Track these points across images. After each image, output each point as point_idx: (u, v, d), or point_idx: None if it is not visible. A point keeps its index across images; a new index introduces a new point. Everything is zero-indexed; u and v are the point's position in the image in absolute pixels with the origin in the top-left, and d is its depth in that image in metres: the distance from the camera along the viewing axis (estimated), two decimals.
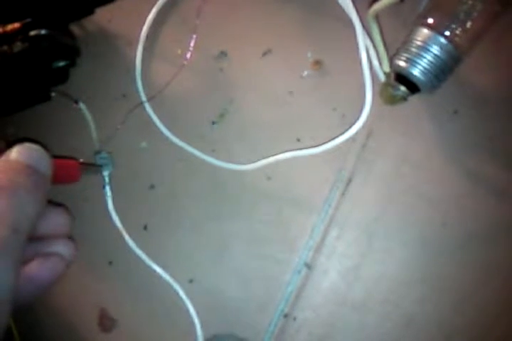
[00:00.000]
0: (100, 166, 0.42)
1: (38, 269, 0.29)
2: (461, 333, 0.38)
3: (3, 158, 0.28)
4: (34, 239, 0.27)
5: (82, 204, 0.43)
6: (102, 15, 0.45)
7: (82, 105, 0.44)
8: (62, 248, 0.31)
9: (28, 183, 0.27)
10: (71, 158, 0.40)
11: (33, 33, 0.38)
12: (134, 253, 0.42)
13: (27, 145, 0.29)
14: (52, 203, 0.29)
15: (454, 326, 0.38)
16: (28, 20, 0.39)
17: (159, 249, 0.43)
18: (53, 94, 0.43)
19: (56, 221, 0.31)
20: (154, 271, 0.42)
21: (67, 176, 0.35)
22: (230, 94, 0.43)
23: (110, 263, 0.43)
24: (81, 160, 0.41)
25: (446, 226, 0.38)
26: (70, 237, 0.32)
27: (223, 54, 0.43)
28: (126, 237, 0.43)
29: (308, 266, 0.40)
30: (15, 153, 0.28)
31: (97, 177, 0.43)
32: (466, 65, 0.37)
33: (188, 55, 0.43)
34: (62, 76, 0.43)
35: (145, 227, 0.43)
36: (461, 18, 0.35)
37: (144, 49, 0.44)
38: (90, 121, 0.44)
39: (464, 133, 0.39)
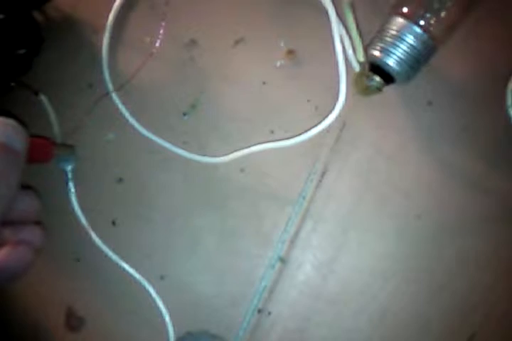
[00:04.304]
0: (72, 146, 0.39)
1: (5, 259, 0.27)
2: (437, 324, 0.38)
3: None
4: (2, 224, 0.25)
5: (46, 200, 0.41)
6: (66, 1, 0.43)
7: (42, 97, 0.42)
8: (31, 235, 0.29)
9: (2, 163, 0.25)
10: (41, 136, 0.38)
11: None
12: (102, 250, 0.41)
13: (0, 119, 0.26)
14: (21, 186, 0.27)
15: (430, 317, 0.38)
16: None
17: (129, 245, 0.42)
18: (13, 84, 0.41)
19: (25, 205, 0.30)
20: (123, 268, 0.41)
21: (40, 155, 0.33)
22: (201, 84, 0.42)
23: (78, 260, 0.42)
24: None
25: (420, 218, 0.38)
26: (39, 223, 0.30)
27: (194, 42, 0.42)
28: (93, 234, 0.41)
29: (283, 260, 0.40)
30: None
31: (60, 171, 0.42)
32: (440, 56, 0.37)
33: (157, 44, 0.42)
34: (25, 65, 0.41)
35: (113, 223, 0.42)
36: (435, 7, 0.35)
37: (111, 37, 0.43)
38: (51, 113, 0.42)
39: (439, 124, 0.39)
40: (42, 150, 0.33)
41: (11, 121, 0.27)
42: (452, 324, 0.38)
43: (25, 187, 0.29)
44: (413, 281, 0.38)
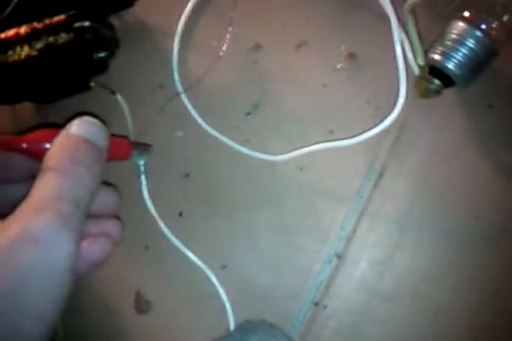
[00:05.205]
0: (149, 145, 0.41)
1: (89, 248, 0.29)
2: (491, 325, 0.38)
3: (64, 132, 0.28)
4: (86, 217, 0.27)
5: (119, 191, 0.44)
6: (140, 7, 0.46)
7: (119, 96, 0.45)
8: (111, 228, 0.31)
9: (87, 158, 0.27)
10: (120, 135, 0.41)
11: (77, 24, 0.40)
12: (169, 239, 0.43)
13: (86, 118, 0.29)
14: (102, 182, 0.29)
15: (483, 318, 0.38)
16: (73, 12, 0.40)
17: (193, 235, 0.43)
18: (92, 84, 0.45)
19: (106, 200, 0.32)
20: (188, 257, 0.43)
21: (119, 154, 0.35)
22: (264, 86, 0.44)
23: (146, 248, 0.44)
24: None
25: (478, 219, 0.38)
26: (117, 216, 0.32)
27: (258, 46, 0.44)
28: (161, 224, 0.44)
29: (339, 256, 0.41)
30: (75, 127, 0.28)
31: (133, 165, 0.44)
32: (502, 58, 0.37)
33: (224, 47, 0.44)
34: (102, 66, 0.44)
35: (180, 214, 0.44)
36: (497, 11, 0.35)
37: (181, 41, 0.45)
38: (127, 112, 0.45)
39: (498, 127, 0.39)
40: (121, 149, 0.35)
41: (95, 120, 0.29)
42: (503, 327, 0.38)
43: (106, 183, 0.31)
44: (467, 282, 0.38)
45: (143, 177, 0.44)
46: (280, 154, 0.42)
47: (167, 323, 0.43)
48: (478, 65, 0.36)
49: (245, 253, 0.42)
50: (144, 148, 0.41)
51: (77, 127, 0.28)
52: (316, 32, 0.43)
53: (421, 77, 0.39)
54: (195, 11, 0.46)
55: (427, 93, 0.39)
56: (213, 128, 0.44)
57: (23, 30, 0.40)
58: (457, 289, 0.39)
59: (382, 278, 0.40)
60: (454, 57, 0.36)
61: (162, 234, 0.43)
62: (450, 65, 0.36)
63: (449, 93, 0.39)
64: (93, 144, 0.28)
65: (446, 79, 0.37)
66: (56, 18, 0.40)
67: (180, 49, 0.45)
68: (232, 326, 0.41)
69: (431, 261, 0.39)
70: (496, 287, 0.38)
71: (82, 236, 0.26)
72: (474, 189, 0.39)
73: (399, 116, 0.40)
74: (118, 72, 0.46)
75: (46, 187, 0.26)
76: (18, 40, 0.39)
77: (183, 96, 0.45)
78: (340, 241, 0.41)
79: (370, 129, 0.40)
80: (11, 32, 0.40)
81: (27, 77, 0.41)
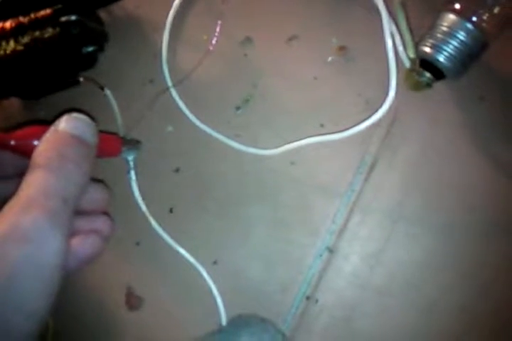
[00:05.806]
0: (139, 142, 0.41)
1: (80, 245, 0.30)
2: (484, 319, 0.38)
3: (52, 128, 0.28)
4: (75, 213, 0.27)
5: (109, 187, 0.44)
6: (129, 1, 0.45)
7: (107, 92, 0.45)
8: (101, 224, 0.32)
9: (76, 155, 0.27)
10: (111, 132, 0.41)
11: (63, 18, 0.39)
12: (160, 235, 0.43)
13: (74, 115, 0.29)
14: (92, 179, 0.29)
15: (477, 312, 0.38)
16: (59, 6, 0.39)
17: (184, 231, 0.43)
18: (81, 79, 0.44)
19: (96, 196, 0.32)
20: (179, 252, 0.43)
21: (109, 150, 0.35)
22: (254, 80, 0.43)
23: (137, 243, 0.44)
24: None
25: (473, 212, 0.38)
26: (107, 213, 0.33)
27: (248, 40, 0.44)
28: (152, 220, 0.43)
29: (330, 250, 0.41)
30: (63, 123, 0.29)
31: (122, 161, 0.43)
32: (492, 51, 0.37)
33: (214, 41, 0.44)
34: (91, 61, 0.44)
35: (171, 210, 0.44)
36: (488, 3, 0.35)
37: (171, 34, 0.45)
38: (116, 107, 0.45)
39: (490, 119, 0.39)
40: (110, 145, 0.35)
41: (83, 117, 0.30)
42: (499, 319, 0.38)
43: (96, 180, 0.32)
44: (461, 275, 0.38)
45: (132, 172, 0.44)
46: (271, 148, 0.42)
47: (158, 319, 0.43)
48: (469, 57, 0.36)
49: (236, 249, 0.42)
50: (133, 143, 0.41)
51: (66, 124, 0.28)
52: (306, 25, 0.43)
53: (412, 70, 0.39)
54: (185, 4, 0.45)
55: (417, 86, 0.39)
56: (204, 122, 0.44)
57: (8, 24, 0.39)
58: (451, 283, 0.39)
59: (373, 271, 0.40)
60: (445, 50, 0.36)
61: (153, 230, 0.43)
62: (441, 58, 0.36)
63: (440, 85, 0.39)
64: (82, 141, 0.28)
65: (437, 72, 0.37)
66: (42, 12, 0.39)
67: (169, 43, 0.45)
68: (224, 321, 0.41)
69: (423, 254, 0.39)
70: (490, 281, 0.38)
71: (71, 232, 0.26)
72: (468, 182, 0.39)
73: (390, 109, 0.40)
74: (107, 67, 0.46)
75: (34, 184, 0.26)
76: (3, 35, 0.39)
77: (173, 91, 0.44)
78: (331, 234, 0.41)
79: (361, 122, 0.40)
80: None
81: (13, 73, 0.41)
